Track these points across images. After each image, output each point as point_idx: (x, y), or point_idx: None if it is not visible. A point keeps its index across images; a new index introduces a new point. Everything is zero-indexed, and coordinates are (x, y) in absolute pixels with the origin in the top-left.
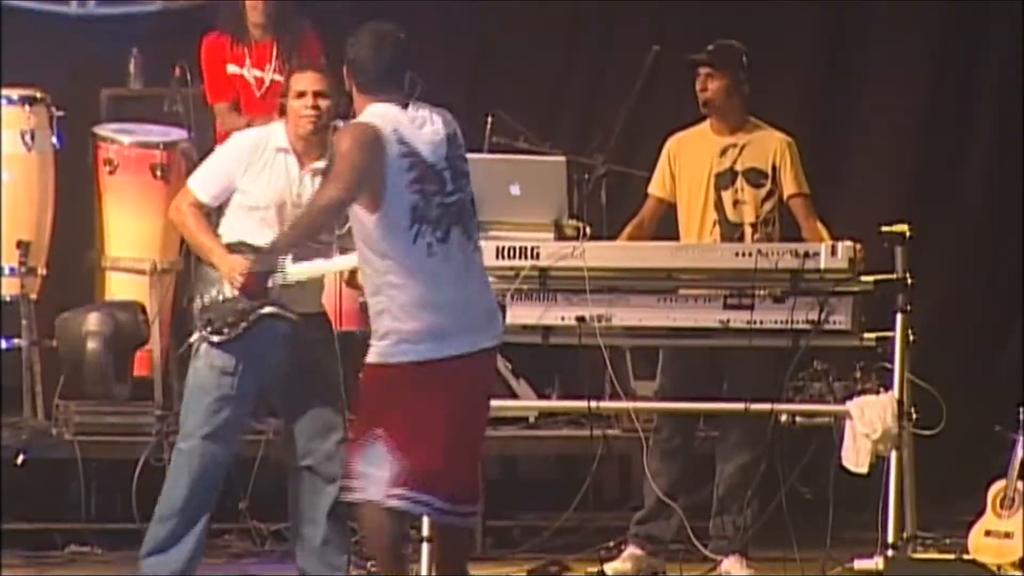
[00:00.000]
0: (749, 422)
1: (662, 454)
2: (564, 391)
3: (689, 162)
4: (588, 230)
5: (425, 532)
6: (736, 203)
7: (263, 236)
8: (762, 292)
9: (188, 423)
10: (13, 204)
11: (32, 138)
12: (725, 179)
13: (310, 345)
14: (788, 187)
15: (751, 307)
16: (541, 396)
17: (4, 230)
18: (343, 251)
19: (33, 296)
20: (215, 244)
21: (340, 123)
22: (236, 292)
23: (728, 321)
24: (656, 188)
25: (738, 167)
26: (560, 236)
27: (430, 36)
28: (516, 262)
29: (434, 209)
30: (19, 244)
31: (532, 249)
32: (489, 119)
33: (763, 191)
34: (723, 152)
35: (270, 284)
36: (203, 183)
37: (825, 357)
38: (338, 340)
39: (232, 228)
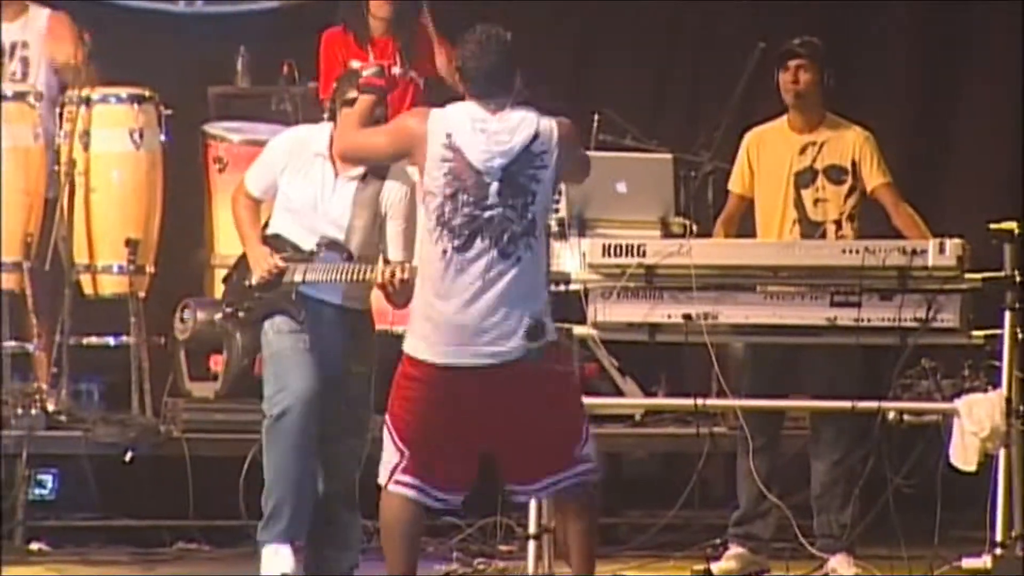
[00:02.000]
0: (841, 420)
1: (750, 453)
2: (670, 389)
3: (768, 159)
4: (695, 227)
5: (532, 529)
6: (817, 201)
7: (296, 235)
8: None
9: (275, 387)
10: (122, 202)
11: (141, 136)
12: (805, 178)
13: (349, 336)
14: (872, 179)
15: (859, 304)
16: (647, 394)
17: (113, 228)
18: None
19: (142, 294)
20: (251, 234)
21: None
22: (255, 282)
23: (835, 319)
24: (736, 185)
25: (818, 165)
26: (666, 233)
27: (536, 35)
28: (622, 260)
29: (460, 217)
30: (128, 242)
31: (638, 247)
32: (596, 117)
33: (845, 187)
34: (802, 150)
35: (285, 279)
36: (253, 177)
37: (933, 355)
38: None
39: (275, 221)
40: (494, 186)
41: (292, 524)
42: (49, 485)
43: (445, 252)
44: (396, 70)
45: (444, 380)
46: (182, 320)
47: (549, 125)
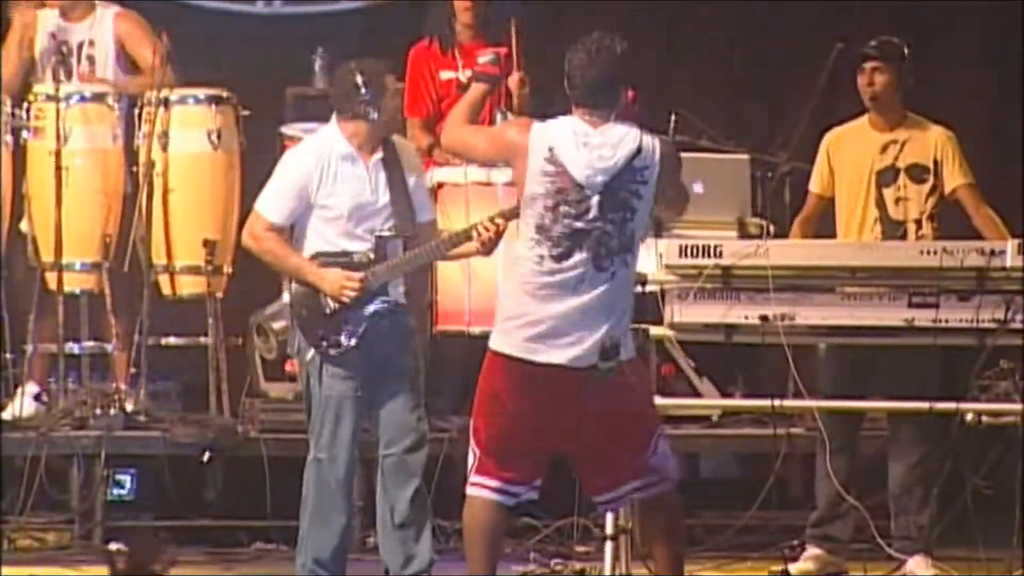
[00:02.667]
0: (919, 421)
1: (828, 454)
2: (747, 389)
3: (849, 159)
4: (771, 228)
5: (608, 530)
6: (899, 200)
7: (344, 242)
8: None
9: (326, 433)
10: (199, 203)
11: (218, 137)
12: (887, 176)
13: (402, 335)
14: (954, 179)
15: (937, 305)
16: (724, 394)
17: (191, 229)
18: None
19: (219, 295)
20: (303, 261)
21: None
22: (340, 304)
23: (913, 320)
24: (816, 185)
25: (900, 164)
26: (743, 234)
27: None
28: (699, 260)
29: (560, 227)
30: (205, 243)
31: (715, 247)
32: (673, 117)
33: (926, 187)
34: (884, 149)
35: (370, 287)
36: (275, 205)
37: (1011, 356)
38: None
39: (310, 241)
40: (595, 199)
41: (315, 563)
42: (127, 485)
43: (542, 258)
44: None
45: (524, 375)
46: (264, 339)
47: (651, 142)
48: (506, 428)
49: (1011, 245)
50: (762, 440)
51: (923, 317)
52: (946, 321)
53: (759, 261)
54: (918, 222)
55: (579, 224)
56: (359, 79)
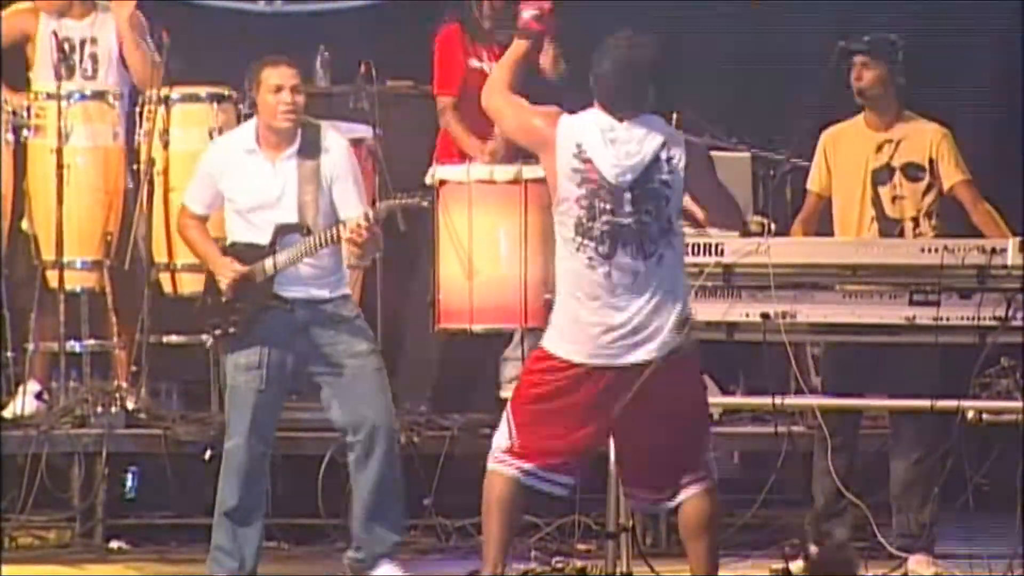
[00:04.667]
0: (920, 419)
1: (823, 451)
2: (748, 388)
3: (845, 157)
4: (773, 226)
5: (610, 528)
6: (895, 199)
7: (252, 235)
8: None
9: (231, 423)
10: None
11: (220, 135)
12: (883, 175)
13: (330, 327)
14: (950, 177)
15: (937, 303)
16: (725, 393)
17: None
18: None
19: None
20: (209, 249)
21: None
22: (227, 294)
23: (914, 318)
24: (813, 184)
25: (895, 163)
26: (744, 232)
27: (615, 29)
28: (700, 259)
29: (600, 226)
30: None
31: (716, 245)
32: (675, 116)
33: (922, 184)
34: (879, 148)
35: (258, 279)
36: (192, 195)
37: (1012, 354)
38: (524, 336)
39: (230, 231)
40: (628, 196)
41: (224, 546)
42: (129, 483)
43: (591, 259)
44: None
45: (588, 380)
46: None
47: (676, 134)
48: (553, 425)
49: (1012, 243)
50: (763, 438)
51: (924, 315)
52: (947, 319)
53: (760, 259)
54: (915, 220)
55: (618, 220)
56: (245, 83)
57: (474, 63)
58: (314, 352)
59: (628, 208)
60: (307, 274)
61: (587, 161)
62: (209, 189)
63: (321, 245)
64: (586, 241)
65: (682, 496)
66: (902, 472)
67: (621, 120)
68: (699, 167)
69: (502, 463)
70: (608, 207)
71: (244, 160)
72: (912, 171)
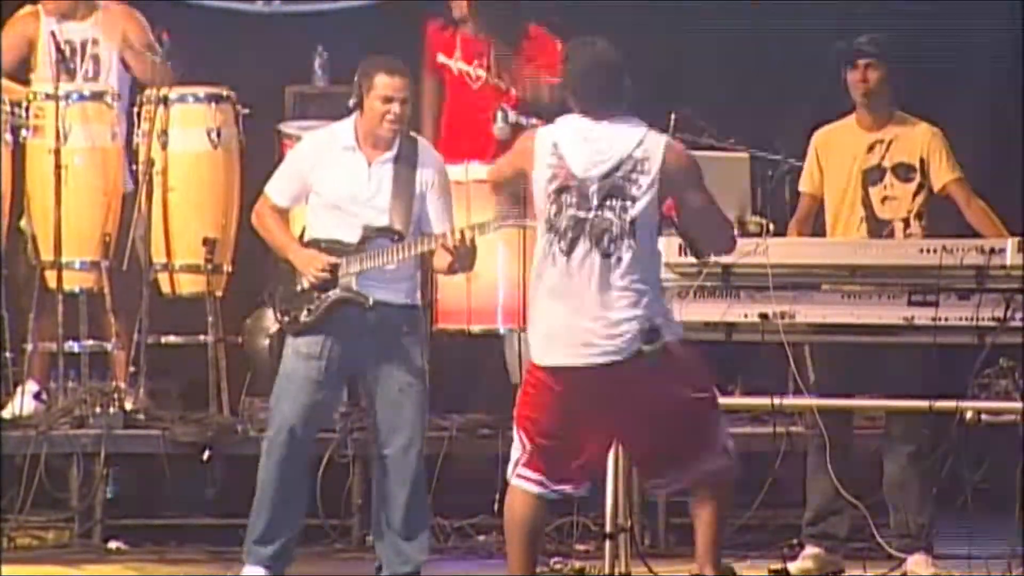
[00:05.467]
0: (909, 417)
1: (818, 451)
2: (747, 388)
3: (836, 157)
4: (771, 226)
5: (608, 528)
6: (885, 199)
7: (338, 231)
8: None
9: (279, 411)
10: (199, 202)
11: (218, 136)
12: (873, 175)
13: (396, 334)
14: (942, 176)
15: (936, 304)
16: (724, 393)
17: (191, 227)
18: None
19: (219, 293)
20: (290, 240)
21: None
22: (309, 284)
23: (912, 318)
24: (806, 185)
25: (886, 163)
26: (743, 232)
27: (618, 34)
28: None
29: (565, 220)
30: (205, 241)
31: None
32: (672, 116)
33: (913, 185)
34: (870, 148)
35: (340, 274)
36: (278, 187)
37: (1011, 354)
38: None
39: (311, 226)
40: (593, 190)
41: (265, 546)
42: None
43: (554, 256)
44: (478, 71)
45: (563, 381)
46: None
47: (658, 136)
48: (553, 429)
49: (1011, 243)
50: (762, 439)
51: (922, 315)
52: (945, 319)
53: (759, 259)
54: (905, 221)
55: (580, 214)
56: (356, 75)
57: (440, 58)
58: (373, 356)
59: (592, 203)
60: (388, 276)
61: (560, 157)
62: (298, 181)
63: (415, 249)
64: (552, 236)
65: (699, 475)
66: (895, 471)
67: (599, 121)
68: (683, 178)
69: (521, 478)
70: (574, 201)
71: (340, 156)
72: (903, 171)
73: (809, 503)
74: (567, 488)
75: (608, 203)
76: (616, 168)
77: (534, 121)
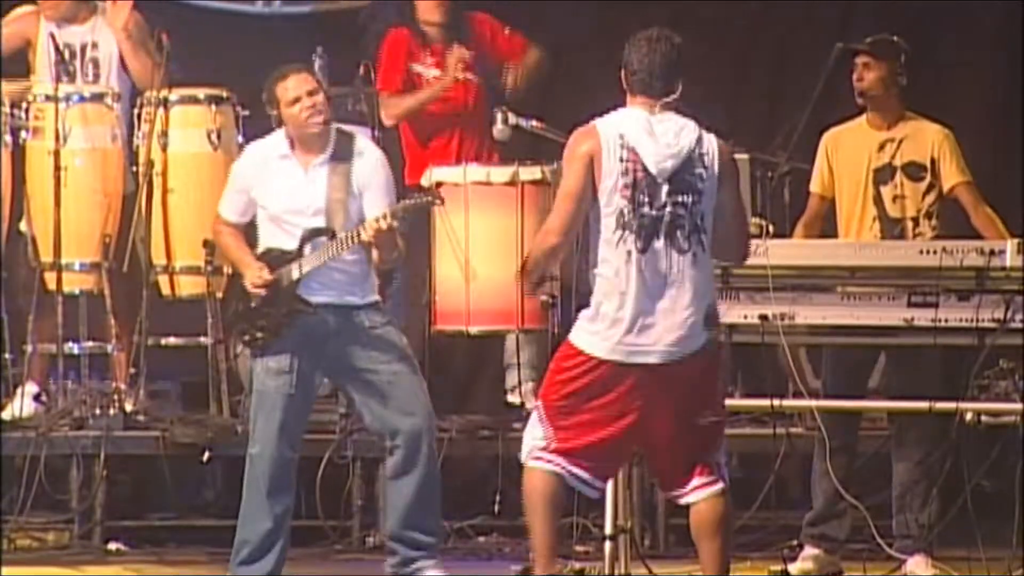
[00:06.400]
0: (923, 420)
1: (822, 453)
2: (746, 389)
3: (847, 157)
4: (771, 228)
5: (608, 530)
6: (896, 198)
7: (280, 240)
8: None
9: (256, 428)
10: (199, 203)
11: (218, 137)
12: (884, 174)
13: (362, 333)
14: (951, 178)
15: (936, 305)
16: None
17: (191, 229)
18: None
19: (219, 295)
20: (242, 255)
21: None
22: (256, 299)
23: (912, 319)
24: (816, 186)
25: (897, 162)
26: None
27: (613, 33)
28: None
29: (639, 218)
30: (205, 243)
31: None
32: None
33: (923, 184)
34: (881, 147)
35: (283, 284)
36: (226, 205)
37: (1011, 355)
38: (521, 338)
39: (260, 238)
40: (665, 187)
41: (251, 564)
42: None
43: (630, 253)
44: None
45: (619, 376)
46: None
47: (708, 135)
48: (587, 421)
49: (1011, 244)
50: (762, 440)
51: (923, 317)
52: (946, 321)
53: (758, 260)
54: (915, 220)
55: (655, 212)
56: (264, 99)
57: (416, 68)
58: (345, 358)
59: (663, 200)
60: (337, 280)
61: (631, 150)
62: (242, 196)
63: (343, 248)
64: (626, 234)
65: (695, 496)
66: (904, 473)
67: (654, 114)
68: (729, 178)
69: (542, 460)
70: (646, 199)
71: (277, 166)
72: (913, 171)
73: (814, 504)
74: (586, 476)
75: (679, 198)
76: (685, 162)
77: (534, 123)
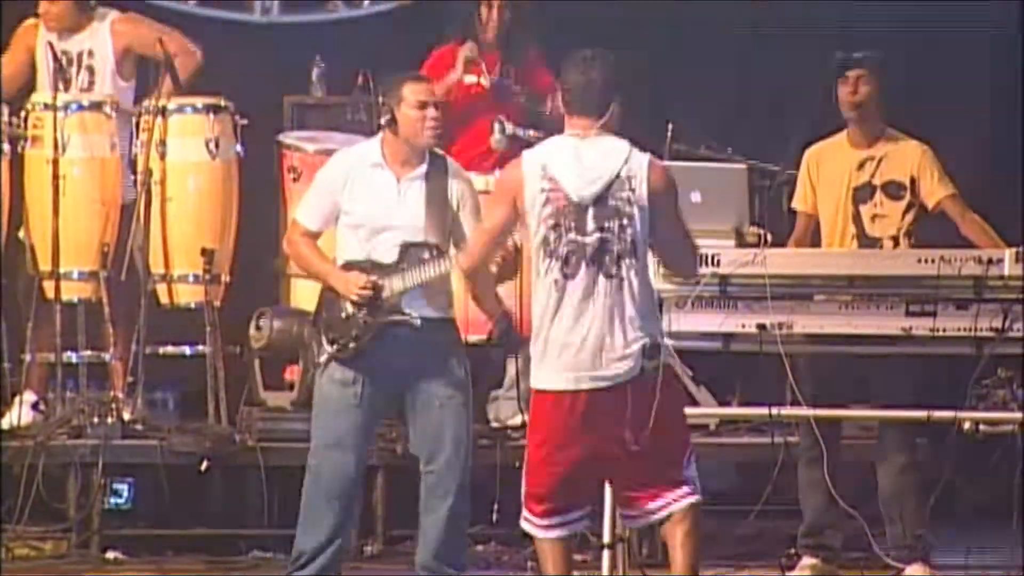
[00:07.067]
0: (902, 427)
1: (807, 463)
2: (745, 398)
3: (827, 175)
4: (769, 237)
5: (606, 539)
6: (875, 217)
7: (373, 252)
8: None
9: (316, 437)
10: (198, 212)
11: (216, 146)
12: (863, 193)
13: (435, 350)
14: (935, 193)
15: (934, 314)
16: (722, 403)
17: (189, 238)
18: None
19: (217, 303)
20: (328, 266)
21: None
22: (354, 308)
23: (910, 328)
24: (799, 203)
25: (876, 181)
26: (741, 243)
27: (615, 40)
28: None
29: (565, 245)
30: (204, 251)
31: (713, 256)
32: (670, 127)
33: (903, 203)
34: (860, 165)
35: (385, 295)
36: (308, 211)
37: (1009, 364)
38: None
39: (343, 248)
40: (590, 212)
41: (304, 568)
42: (125, 494)
43: (556, 282)
44: (500, 81)
45: (565, 405)
46: (258, 328)
47: (639, 155)
48: (553, 457)
49: (1009, 254)
50: (760, 449)
51: (920, 326)
52: (944, 330)
53: (757, 270)
54: (895, 239)
55: (580, 238)
56: (380, 90)
57: (469, 79)
58: (412, 372)
59: (591, 226)
60: (421, 292)
61: (552, 179)
62: (328, 204)
63: (452, 266)
64: (552, 262)
65: (668, 511)
66: (889, 482)
67: (585, 138)
68: (663, 196)
69: (535, 527)
70: (572, 225)
71: (369, 175)
72: (893, 189)
73: (804, 516)
74: (575, 515)
75: (605, 223)
76: (608, 187)
77: (531, 133)
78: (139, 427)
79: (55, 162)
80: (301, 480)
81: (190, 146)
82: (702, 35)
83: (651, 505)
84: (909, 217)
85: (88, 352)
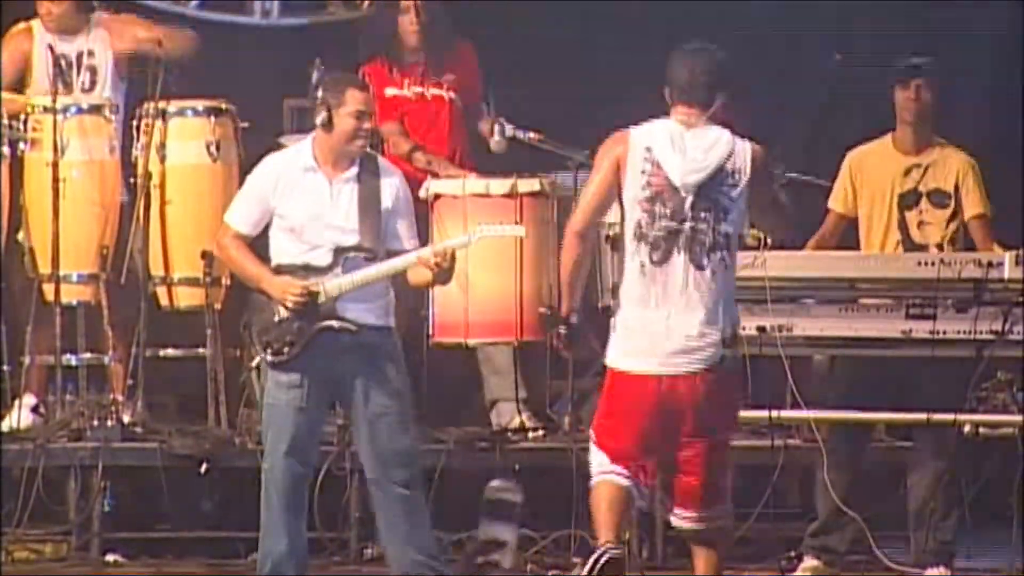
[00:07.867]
0: (940, 433)
1: (832, 465)
2: (745, 401)
3: (871, 179)
4: (769, 240)
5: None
6: (920, 224)
7: (307, 255)
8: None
9: (268, 442)
10: (198, 215)
11: (217, 149)
12: (909, 199)
13: (372, 357)
14: (972, 207)
15: (934, 317)
16: None
17: (189, 240)
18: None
19: (217, 306)
20: (261, 270)
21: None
22: (287, 312)
23: (911, 331)
24: (837, 203)
25: (922, 188)
26: (741, 245)
27: (618, 35)
28: None
29: (656, 231)
30: (204, 255)
31: None
32: None
33: (947, 212)
34: (907, 172)
35: (320, 300)
36: (238, 215)
37: (1009, 367)
38: (517, 351)
39: (277, 251)
40: (688, 201)
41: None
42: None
43: (643, 265)
44: (431, 91)
45: (649, 389)
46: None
47: (744, 146)
48: (635, 439)
49: (1008, 257)
50: (760, 451)
51: (920, 329)
52: (944, 333)
53: (757, 272)
54: (940, 246)
55: (674, 224)
56: (321, 92)
57: (391, 92)
58: (351, 376)
59: (686, 214)
60: (359, 297)
61: (655, 163)
62: (259, 207)
63: (395, 269)
64: (641, 245)
65: (703, 525)
66: (921, 489)
67: (690, 128)
68: (761, 168)
69: (606, 474)
70: (668, 211)
71: (301, 178)
72: (938, 197)
73: (818, 515)
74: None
75: (702, 215)
76: (711, 178)
77: (531, 135)
78: (139, 430)
79: (55, 165)
80: None
81: (190, 149)
82: (700, 34)
83: (705, 513)
84: (953, 226)
85: (88, 355)
